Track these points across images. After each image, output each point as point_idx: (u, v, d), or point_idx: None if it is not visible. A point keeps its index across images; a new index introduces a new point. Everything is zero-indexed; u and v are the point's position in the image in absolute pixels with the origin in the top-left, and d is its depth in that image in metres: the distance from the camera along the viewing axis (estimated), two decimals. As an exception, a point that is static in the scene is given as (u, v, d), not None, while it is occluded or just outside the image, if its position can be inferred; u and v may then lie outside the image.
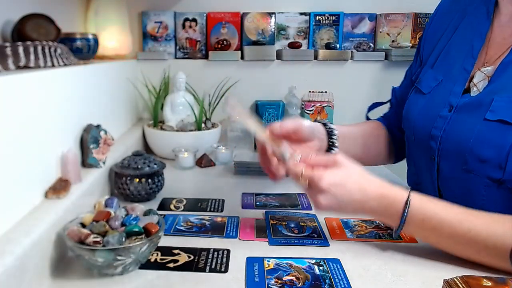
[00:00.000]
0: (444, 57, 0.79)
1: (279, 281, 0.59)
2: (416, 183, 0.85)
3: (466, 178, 0.68)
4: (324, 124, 0.83)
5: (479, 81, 0.70)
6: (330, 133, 0.82)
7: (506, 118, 0.63)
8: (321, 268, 0.63)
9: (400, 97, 0.93)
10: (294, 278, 0.59)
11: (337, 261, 0.65)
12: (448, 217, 0.61)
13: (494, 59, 0.70)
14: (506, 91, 0.65)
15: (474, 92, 0.70)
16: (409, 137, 0.84)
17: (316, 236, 0.73)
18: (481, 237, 0.59)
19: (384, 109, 1.01)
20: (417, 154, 0.82)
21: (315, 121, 0.83)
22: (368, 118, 1.02)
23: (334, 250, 0.69)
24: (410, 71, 0.91)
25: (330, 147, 0.82)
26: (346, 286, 0.58)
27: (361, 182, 0.64)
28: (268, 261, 0.64)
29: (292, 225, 0.77)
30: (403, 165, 0.94)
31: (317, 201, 0.63)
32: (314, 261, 0.65)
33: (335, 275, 0.61)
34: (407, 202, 0.62)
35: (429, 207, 0.62)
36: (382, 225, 0.78)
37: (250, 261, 0.64)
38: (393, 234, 0.66)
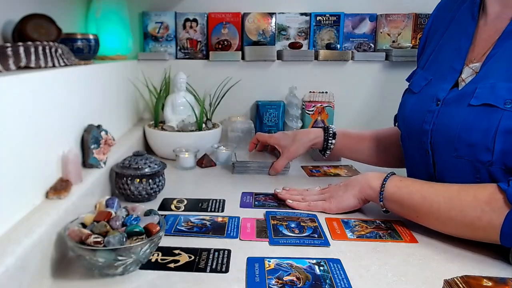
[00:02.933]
0: (434, 59, 0.83)
1: (280, 281, 0.59)
2: None
3: (459, 164, 0.70)
4: (326, 129, 1.06)
5: (467, 76, 0.74)
6: (326, 139, 1.05)
7: (489, 101, 0.65)
8: (321, 268, 0.63)
9: None
10: (294, 278, 0.59)
11: (337, 261, 0.65)
12: (407, 203, 0.74)
13: (481, 55, 0.73)
14: (488, 78, 0.68)
15: (461, 86, 0.73)
16: (404, 136, 0.87)
17: (316, 236, 0.73)
18: (445, 211, 0.68)
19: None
20: (413, 151, 0.84)
21: (315, 126, 0.92)
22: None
23: (335, 250, 0.69)
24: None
25: (324, 149, 1.06)
26: (347, 286, 0.58)
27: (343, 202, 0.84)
28: (269, 261, 0.64)
29: (293, 225, 0.77)
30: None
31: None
32: (314, 261, 0.65)
33: (335, 275, 0.61)
34: (380, 195, 0.78)
35: (397, 198, 0.76)
36: (383, 225, 0.78)
37: (251, 261, 0.64)
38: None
